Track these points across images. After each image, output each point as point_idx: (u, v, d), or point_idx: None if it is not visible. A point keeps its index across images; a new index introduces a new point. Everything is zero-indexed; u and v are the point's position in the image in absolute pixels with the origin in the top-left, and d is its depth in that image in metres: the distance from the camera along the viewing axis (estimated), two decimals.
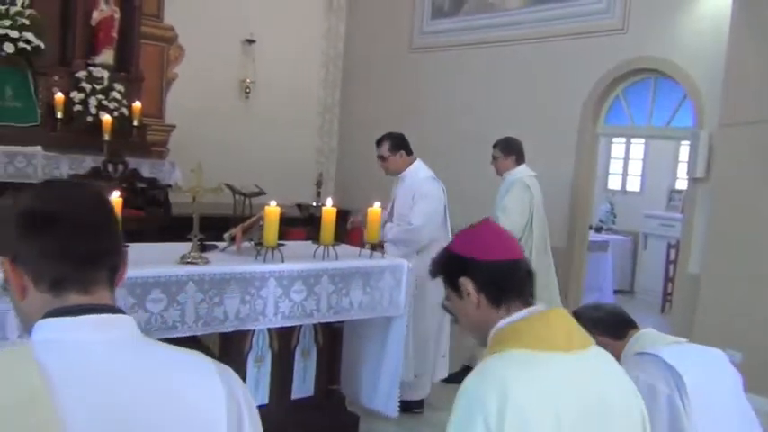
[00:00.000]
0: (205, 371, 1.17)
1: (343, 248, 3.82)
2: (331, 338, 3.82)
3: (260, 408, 3.60)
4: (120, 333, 1.12)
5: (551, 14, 6.73)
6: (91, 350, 1.07)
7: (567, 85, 6.53)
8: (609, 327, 2.38)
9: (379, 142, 4.46)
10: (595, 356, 1.55)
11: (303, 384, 3.78)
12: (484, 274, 1.56)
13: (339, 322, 3.76)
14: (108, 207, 1.19)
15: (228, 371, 1.21)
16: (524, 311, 1.55)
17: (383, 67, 8.76)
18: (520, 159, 4.88)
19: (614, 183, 10.64)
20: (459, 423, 1.41)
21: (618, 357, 2.15)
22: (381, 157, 4.44)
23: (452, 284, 1.62)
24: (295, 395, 3.74)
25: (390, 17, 8.68)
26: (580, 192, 6.48)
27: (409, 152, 4.44)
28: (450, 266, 1.62)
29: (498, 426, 1.34)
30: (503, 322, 1.55)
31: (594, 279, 7.15)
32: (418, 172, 4.40)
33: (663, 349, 2.22)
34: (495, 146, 4.91)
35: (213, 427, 1.12)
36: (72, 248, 1.11)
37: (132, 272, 2.89)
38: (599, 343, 1.61)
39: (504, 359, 1.45)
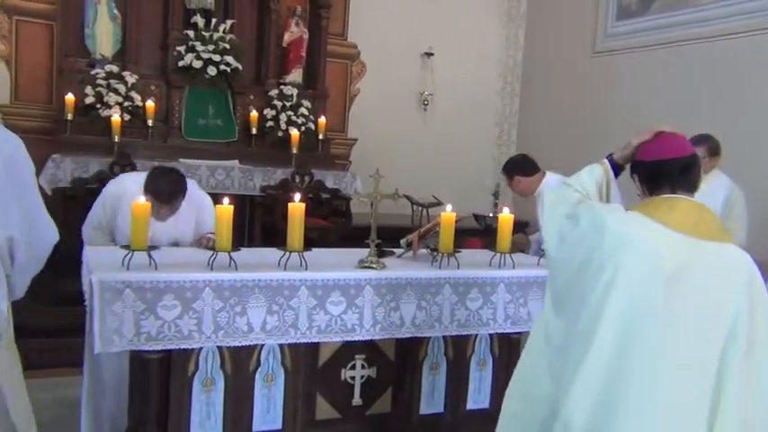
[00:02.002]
0: None
1: (521, 257, 3.71)
2: (508, 350, 3.70)
3: (434, 416, 3.57)
4: None
5: (756, 5, 6.09)
6: None
7: None
8: None
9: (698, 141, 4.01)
10: (714, 250, 1.81)
11: (479, 396, 3.69)
12: (641, 172, 2.06)
13: (516, 333, 3.64)
14: None
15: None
16: (663, 195, 1.93)
17: (563, 75, 8.46)
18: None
19: None
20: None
21: None
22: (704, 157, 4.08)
23: (632, 178, 2.11)
24: (470, 406, 3.67)
25: (571, 22, 8.38)
26: None
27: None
28: (632, 166, 2.13)
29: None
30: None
31: None
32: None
33: None
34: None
35: None
36: None
37: (313, 274, 3.01)
38: None
39: (621, 211, 1.94)
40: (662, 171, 1.96)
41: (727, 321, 1.73)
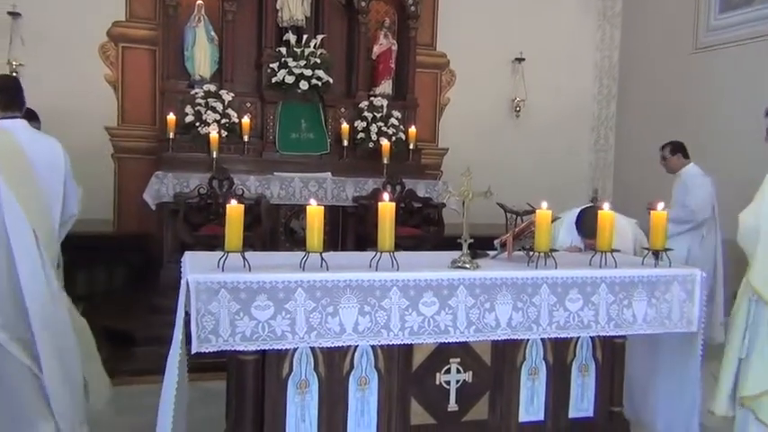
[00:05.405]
0: None
1: (623, 257, 3.50)
2: (612, 354, 3.50)
3: (535, 424, 3.40)
4: None
5: None
6: None
7: None
8: None
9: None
10: None
11: (581, 403, 3.50)
12: None
13: (621, 337, 3.44)
14: None
15: None
16: None
17: (663, 74, 8.08)
18: None
19: None
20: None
21: None
22: None
23: None
24: (573, 414, 3.49)
25: (670, 18, 8.00)
26: None
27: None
28: None
29: None
30: None
31: None
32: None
33: None
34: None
35: None
36: None
37: (405, 274, 2.96)
38: None
39: None
40: None
41: None
